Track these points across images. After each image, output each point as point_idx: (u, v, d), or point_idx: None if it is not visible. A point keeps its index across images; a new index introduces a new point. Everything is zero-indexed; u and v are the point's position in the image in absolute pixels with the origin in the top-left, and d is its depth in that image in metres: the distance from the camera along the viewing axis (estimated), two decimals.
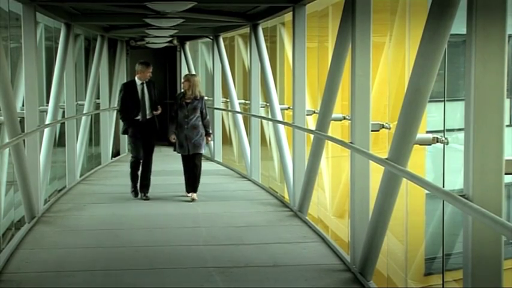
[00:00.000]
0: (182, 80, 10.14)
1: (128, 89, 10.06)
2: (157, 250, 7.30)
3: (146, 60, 10.27)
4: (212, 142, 13.76)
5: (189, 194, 9.98)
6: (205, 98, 10.27)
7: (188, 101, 9.87)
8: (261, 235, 7.97)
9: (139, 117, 9.91)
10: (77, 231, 8.21)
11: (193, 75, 10.64)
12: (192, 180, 10.00)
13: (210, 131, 10.12)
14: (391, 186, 5.66)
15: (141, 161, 10.05)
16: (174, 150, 10.03)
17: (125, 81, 15.17)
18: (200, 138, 9.91)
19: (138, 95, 9.92)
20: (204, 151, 10.12)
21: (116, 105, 14.70)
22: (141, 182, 10.10)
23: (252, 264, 6.78)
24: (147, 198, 9.99)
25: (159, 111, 10.01)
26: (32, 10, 8.76)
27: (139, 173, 10.13)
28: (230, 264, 6.75)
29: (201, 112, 9.89)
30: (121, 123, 10.64)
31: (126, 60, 17.59)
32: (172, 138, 9.87)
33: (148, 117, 9.97)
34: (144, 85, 9.97)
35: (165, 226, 8.38)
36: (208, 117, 10.06)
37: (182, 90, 10.08)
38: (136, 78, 10.04)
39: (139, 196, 10.08)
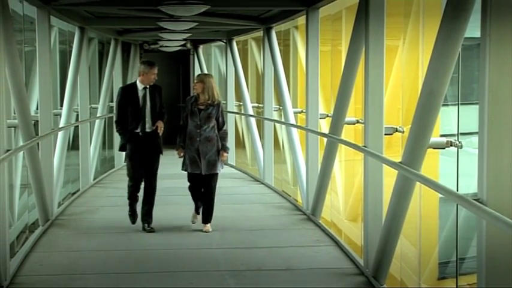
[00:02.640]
0: (194, 81, 8.28)
1: (127, 94, 8.18)
2: (170, 253, 7.30)
3: (152, 60, 8.43)
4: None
5: (194, 222, 8.43)
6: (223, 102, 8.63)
7: (202, 107, 8.06)
8: (274, 238, 7.96)
9: (138, 130, 8.09)
10: (90, 234, 8.23)
11: (208, 75, 8.66)
12: (205, 207, 8.28)
13: (228, 145, 8.34)
14: (405, 190, 5.64)
15: (142, 184, 8.31)
16: (183, 169, 8.25)
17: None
18: (216, 155, 8.08)
19: (139, 102, 8.08)
20: (220, 170, 8.23)
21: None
22: (142, 209, 8.29)
23: (264, 267, 6.78)
24: (152, 230, 8.20)
25: (161, 127, 8.17)
26: (46, 14, 8.79)
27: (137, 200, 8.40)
28: (243, 267, 6.75)
29: (217, 121, 8.11)
30: None
31: (139, 63, 17.62)
32: (180, 153, 8.16)
33: (148, 130, 8.11)
34: (147, 91, 8.13)
35: (177, 230, 8.38)
36: (225, 127, 8.28)
37: (194, 94, 8.30)
38: (137, 81, 8.19)
39: (137, 221, 8.33)
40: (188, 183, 8.34)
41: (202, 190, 8.27)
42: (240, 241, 7.81)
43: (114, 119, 8.50)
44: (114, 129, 9.38)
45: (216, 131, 8.11)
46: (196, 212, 8.47)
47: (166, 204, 9.66)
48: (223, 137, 8.17)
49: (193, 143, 8.06)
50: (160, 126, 8.15)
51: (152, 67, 8.12)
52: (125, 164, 8.71)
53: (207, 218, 8.25)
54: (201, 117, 8.04)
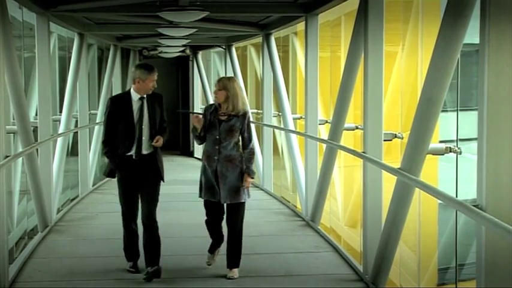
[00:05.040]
0: (214, 89, 6.50)
1: (118, 106, 6.44)
2: (169, 260, 7.28)
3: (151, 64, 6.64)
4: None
5: (211, 260, 6.80)
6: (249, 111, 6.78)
7: (223, 117, 6.39)
8: (273, 244, 7.95)
9: (132, 152, 6.40)
10: (89, 240, 8.22)
11: (231, 78, 6.57)
12: (230, 248, 6.58)
13: (253, 169, 6.58)
14: (404, 196, 5.64)
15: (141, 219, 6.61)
16: (200, 196, 6.59)
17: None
18: (239, 179, 6.40)
19: (133, 116, 6.37)
20: (246, 200, 6.52)
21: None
22: (145, 254, 6.57)
23: (264, 273, 6.77)
24: (158, 275, 6.45)
25: (159, 143, 6.38)
26: (45, 20, 8.80)
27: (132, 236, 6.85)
28: (242, 273, 6.73)
29: (242, 136, 6.43)
30: None
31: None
32: (196, 119, 6.42)
33: (145, 152, 6.41)
34: (144, 102, 6.40)
35: (177, 235, 8.37)
36: (252, 143, 6.47)
37: (213, 102, 6.57)
38: (132, 90, 6.45)
39: (136, 267, 6.76)
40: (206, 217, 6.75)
41: (227, 225, 6.64)
42: None
43: (102, 138, 6.93)
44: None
45: (241, 149, 6.47)
46: (211, 251, 6.82)
47: (165, 210, 9.61)
48: (248, 158, 6.46)
49: (211, 163, 6.41)
50: (160, 142, 6.39)
51: (151, 72, 6.41)
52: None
53: (232, 262, 6.57)
54: (221, 130, 6.36)
